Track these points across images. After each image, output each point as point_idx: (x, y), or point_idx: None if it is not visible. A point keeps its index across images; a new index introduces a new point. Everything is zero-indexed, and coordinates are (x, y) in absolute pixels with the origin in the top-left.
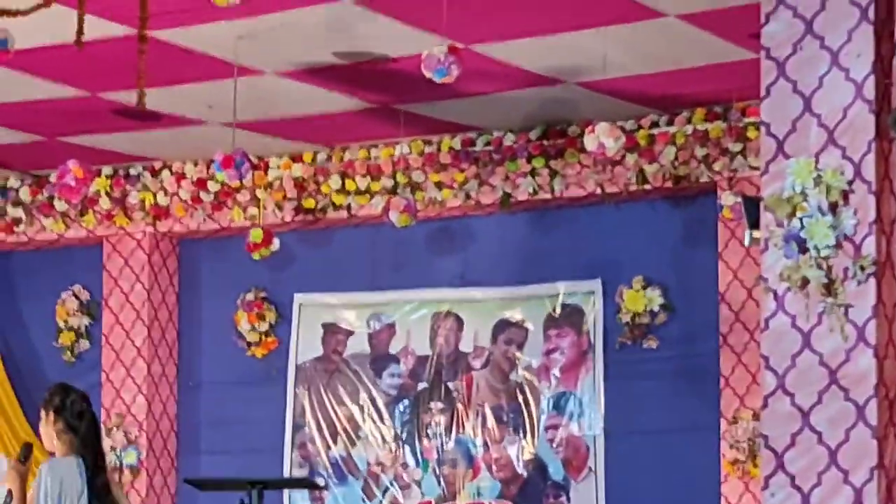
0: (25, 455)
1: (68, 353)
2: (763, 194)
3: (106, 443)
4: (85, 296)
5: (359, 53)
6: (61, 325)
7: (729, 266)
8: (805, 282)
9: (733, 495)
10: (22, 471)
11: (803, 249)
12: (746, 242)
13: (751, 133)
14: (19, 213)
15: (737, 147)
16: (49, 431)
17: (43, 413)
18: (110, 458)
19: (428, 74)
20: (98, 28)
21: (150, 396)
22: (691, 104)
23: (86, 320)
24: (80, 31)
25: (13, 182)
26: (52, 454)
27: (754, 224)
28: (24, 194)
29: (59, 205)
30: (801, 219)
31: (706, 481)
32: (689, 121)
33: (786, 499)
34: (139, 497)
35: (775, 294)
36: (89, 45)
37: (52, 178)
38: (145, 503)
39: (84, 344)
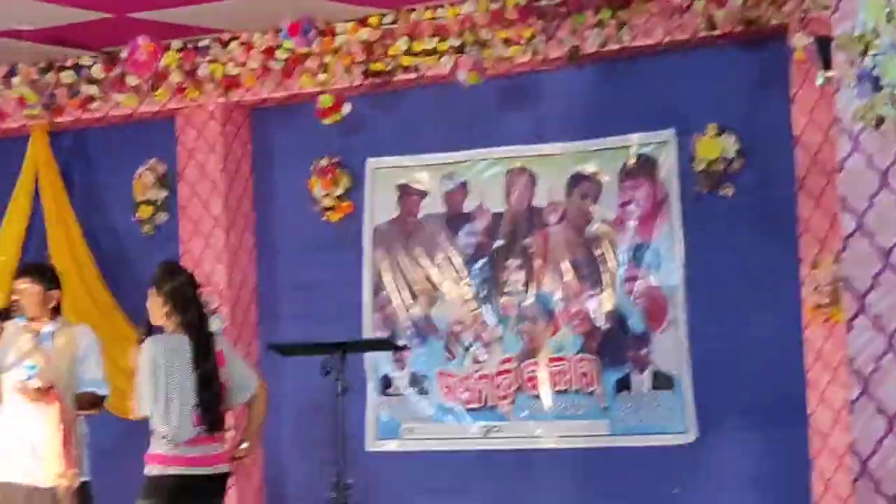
0: (145, 334)
1: (147, 226)
2: (834, 34)
3: None
4: (161, 169)
5: None
6: (139, 198)
7: (803, 109)
8: (880, 120)
9: (816, 339)
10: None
11: (877, 87)
12: (819, 83)
13: None
14: (93, 90)
15: None
16: (157, 309)
17: (153, 289)
18: None
19: None
20: None
21: (229, 265)
22: None
23: (163, 193)
24: None
25: (86, 60)
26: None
27: (826, 65)
28: (97, 71)
29: (131, 80)
30: (873, 56)
31: (788, 327)
32: None
33: (869, 341)
34: None
35: (850, 134)
36: None
37: (124, 55)
38: None
39: (162, 216)
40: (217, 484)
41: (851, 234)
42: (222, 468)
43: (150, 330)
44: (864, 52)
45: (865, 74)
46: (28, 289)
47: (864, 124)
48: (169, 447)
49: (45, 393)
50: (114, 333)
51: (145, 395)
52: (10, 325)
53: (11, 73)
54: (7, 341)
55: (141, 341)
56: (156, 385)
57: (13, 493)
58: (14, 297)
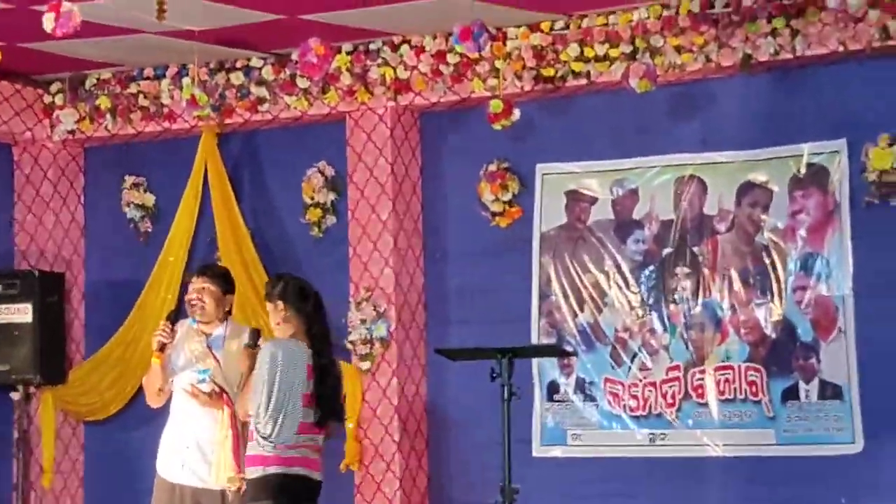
0: (255, 339)
1: (315, 228)
2: None
3: (355, 316)
4: (330, 172)
5: None
6: (307, 201)
7: None
8: None
9: None
10: (252, 354)
11: None
12: None
13: None
14: (263, 92)
15: None
16: (277, 318)
17: (269, 303)
18: (361, 332)
19: None
20: None
21: (397, 269)
22: None
23: (331, 196)
24: None
25: (256, 62)
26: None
27: None
28: (267, 73)
29: (302, 82)
30: None
31: None
32: None
33: None
34: (390, 368)
35: None
36: None
37: (294, 57)
38: (396, 374)
39: (330, 219)
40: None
41: None
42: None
43: (258, 335)
44: None
45: None
46: (208, 288)
47: None
48: (281, 449)
49: (216, 397)
50: None
51: (258, 399)
52: (183, 327)
53: (182, 73)
54: (179, 343)
55: (250, 345)
56: (271, 390)
57: (182, 493)
58: (190, 297)
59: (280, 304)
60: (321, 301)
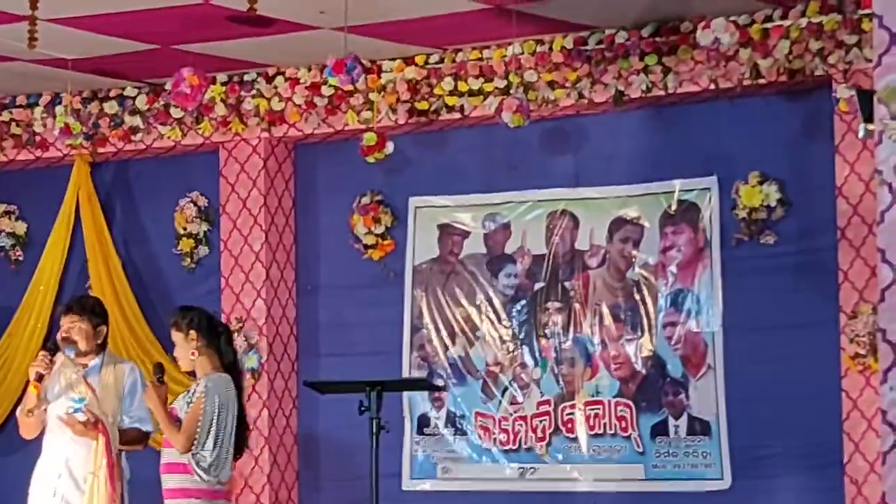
0: (160, 374)
1: (188, 259)
2: (876, 87)
3: None
4: (203, 202)
5: None
6: (180, 231)
7: (846, 159)
8: None
9: (854, 390)
10: (161, 391)
11: None
12: (860, 135)
13: (865, 25)
14: (136, 121)
15: (852, 39)
16: (187, 349)
17: (178, 333)
18: None
19: None
20: None
21: (269, 301)
22: None
23: (204, 226)
24: None
25: (130, 91)
26: (190, 373)
27: (868, 117)
28: (141, 103)
29: (176, 112)
30: None
31: (826, 376)
32: (803, 14)
33: None
34: (260, 400)
35: (890, 186)
36: None
37: (168, 86)
38: (267, 406)
39: (203, 250)
40: None
41: (889, 286)
42: None
43: (162, 369)
44: None
45: None
46: (78, 326)
47: None
48: (211, 483)
49: (91, 426)
50: (153, 366)
51: (204, 435)
52: (59, 357)
53: (55, 101)
54: (55, 372)
55: (157, 381)
56: (218, 426)
57: None
58: (62, 334)
59: (193, 333)
60: (230, 333)
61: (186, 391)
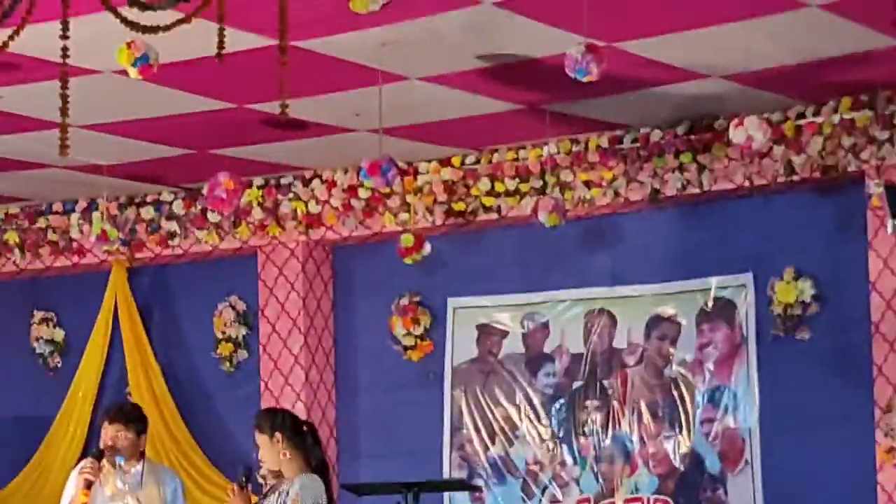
0: (247, 478)
1: (227, 363)
2: None
3: None
4: (241, 306)
5: (502, 55)
6: (219, 335)
7: (879, 255)
8: None
9: (889, 483)
10: (246, 496)
11: None
12: (889, 231)
13: None
14: (173, 226)
15: (884, 135)
16: (277, 451)
17: (262, 436)
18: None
19: (570, 74)
20: (240, 40)
21: (308, 403)
22: (837, 93)
23: (243, 330)
24: (220, 45)
25: (166, 196)
26: (277, 472)
27: None
28: (178, 207)
29: (213, 217)
30: None
31: (862, 470)
32: (835, 110)
33: None
34: None
35: None
36: (232, 58)
37: (205, 191)
38: None
39: (242, 354)
40: None
41: None
42: None
43: (250, 472)
44: None
45: None
46: (123, 435)
47: None
48: None
49: None
50: (193, 472)
51: None
52: (107, 464)
53: (91, 207)
54: (102, 479)
55: (243, 485)
56: None
57: None
58: (106, 443)
59: (278, 435)
60: (316, 432)
61: (276, 493)
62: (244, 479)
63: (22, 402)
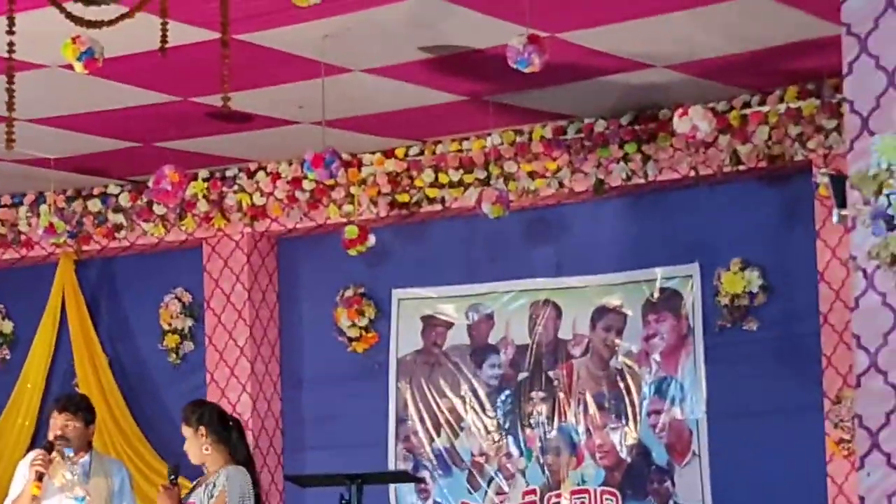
0: (175, 476)
1: (173, 355)
2: (849, 172)
3: None
4: (187, 298)
5: (444, 47)
6: (165, 327)
7: (827, 244)
8: (894, 259)
9: (839, 475)
10: (174, 493)
11: (891, 227)
12: (835, 220)
13: (844, 109)
14: (120, 218)
15: (831, 123)
16: (200, 444)
17: (188, 429)
18: None
19: (512, 65)
20: (184, 34)
21: (254, 395)
22: (783, 82)
23: (189, 322)
24: (164, 39)
25: (112, 189)
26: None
27: (842, 202)
28: (124, 200)
29: (159, 209)
30: (887, 196)
31: (812, 462)
32: (781, 99)
33: (882, 478)
34: None
35: (864, 272)
36: (176, 51)
37: (150, 184)
38: None
39: (188, 346)
40: None
41: (865, 372)
42: None
43: (177, 470)
44: (879, 191)
45: (880, 213)
46: (72, 424)
47: (879, 263)
48: None
49: None
50: (140, 462)
51: None
52: (56, 455)
53: (39, 200)
54: (51, 471)
55: (171, 483)
56: None
57: None
58: (55, 433)
59: (202, 429)
60: (241, 427)
61: (203, 485)
62: (173, 476)
63: None
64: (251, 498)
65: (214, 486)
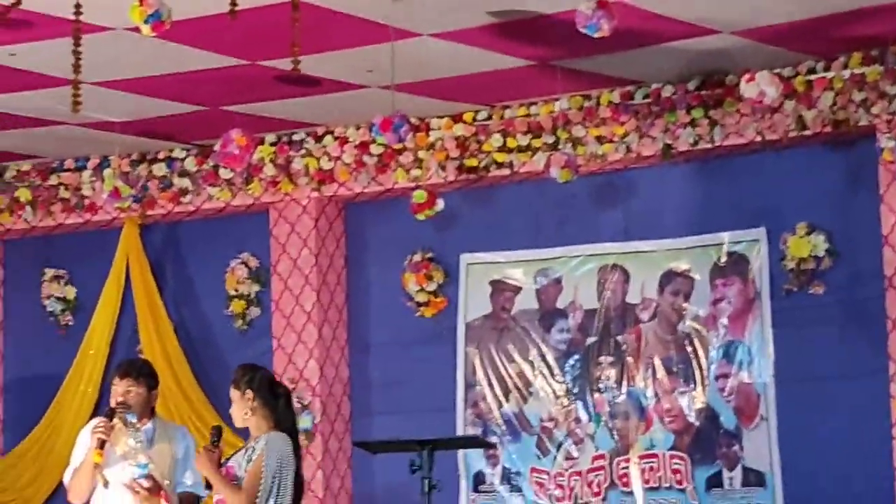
0: (217, 438)
1: (239, 320)
2: None
3: None
4: (254, 263)
5: (512, 11)
6: (231, 293)
7: (892, 208)
8: None
9: None
10: (214, 456)
11: None
12: None
13: None
14: (186, 183)
15: (894, 89)
16: (243, 408)
17: (236, 391)
18: None
19: (581, 30)
20: None
21: (321, 361)
22: (847, 48)
23: (255, 287)
24: (233, 2)
25: (178, 153)
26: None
27: None
28: (190, 164)
29: (225, 173)
30: None
31: (877, 424)
32: (845, 65)
33: None
34: (314, 461)
35: None
36: (244, 14)
37: (217, 148)
38: (321, 467)
39: (255, 311)
40: None
41: None
42: None
43: (220, 433)
44: None
45: None
46: (135, 391)
47: None
48: None
49: (155, 492)
50: (206, 430)
51: (266, 494)
52: (118, 422)
53: (103, 164)
54: (113, 438)
55: (212, 445)
56: (279, 484)
57: None
58: (117, 399)
59: (249, 393)
60: (290, 396)
61: (244, 449)
62: (215, 438)
63: (33, 360)
64: (291, 466)
65: (254, 450)
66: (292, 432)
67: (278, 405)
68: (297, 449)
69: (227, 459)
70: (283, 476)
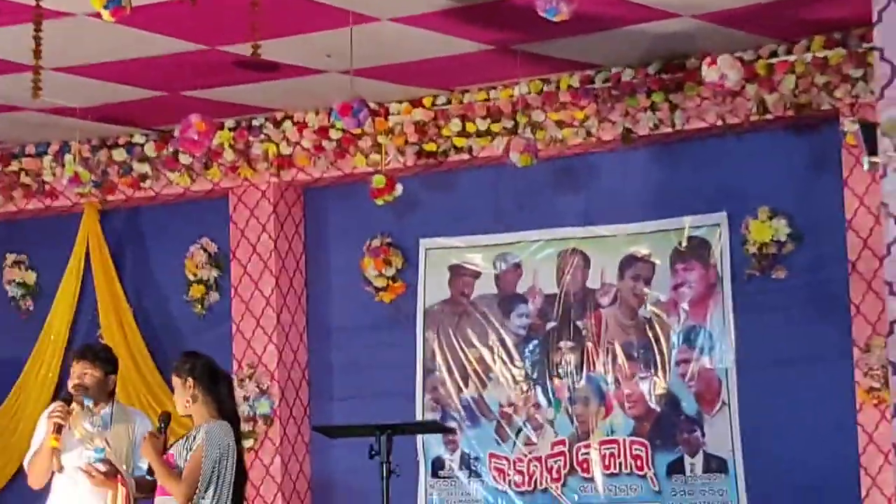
0: (164, 424)
1: (198, 305)
2: (880, 119)
3: (238, 393)
4: (213, 248)
5: None
6: (190, 278)
7: (855, 192)
8: None
9: (869, 424)
10: (158, 442)
11: None
12: (865, 168)
13: (871, 58)
14: (145, 168)
15: (857, 73)
16: (185, 396)
17: (178, 379)
18: (243, 409)
19: (541, 13)
20: None
21: (280, 345)
22: (810, 31)
23: (214, 272)
24: None
25: (138, 138)
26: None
27: (872, 150)
28: (150, 150)
29: (184, 159)
30: None
31: (841, 410)
32: (808, 49)
33: None
34: (273, 446)
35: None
36: None
37: (176, 133)
38: (280, 452)
39: (214, 296)
40: None
41: None
42: None
43: (168, 419)
44: None
45: None
46: (90, 373)
47: None
48: None
49: (111, 477)
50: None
51: (205, 483)
52: (76, 408)
53: (63, 150)
54: (72, 422)
55: (158, 431)
56: (218, 474)
57: None
58: (73, 382)
59: (190, 381)
60: (232, 383)
61: (185, 438)
62: (162, 424)
63: None
64: (232, 455)
65: (194, 439)
66: (234, 420)
67: (220, 393)
68: (238, 437)
69: (171, 447)
70: (223, 466)
